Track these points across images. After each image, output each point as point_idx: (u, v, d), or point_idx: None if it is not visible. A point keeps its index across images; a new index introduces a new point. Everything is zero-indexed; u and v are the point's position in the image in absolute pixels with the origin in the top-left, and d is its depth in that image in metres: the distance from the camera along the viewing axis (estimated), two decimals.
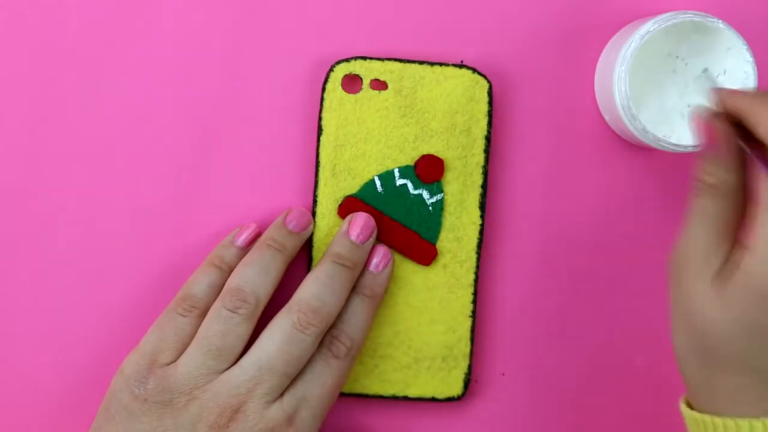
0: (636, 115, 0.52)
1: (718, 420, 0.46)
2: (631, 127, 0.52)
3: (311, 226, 0.55)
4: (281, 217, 0.55)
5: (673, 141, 0.53)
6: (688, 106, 0.53)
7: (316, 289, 0.52)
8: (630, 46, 0.52)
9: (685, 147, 0.53)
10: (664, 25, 0.52)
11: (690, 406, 0.49)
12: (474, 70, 0.55)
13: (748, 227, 0.46)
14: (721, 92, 0.48)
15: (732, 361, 0.46)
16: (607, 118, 0.55)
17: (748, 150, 0.46)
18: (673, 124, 0.53)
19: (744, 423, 0.45)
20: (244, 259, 0.53)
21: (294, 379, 0.51)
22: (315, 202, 0.56)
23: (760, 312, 0.44)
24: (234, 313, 0.51)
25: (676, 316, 0.48)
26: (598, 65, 0.56)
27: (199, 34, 0.56)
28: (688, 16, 0.52)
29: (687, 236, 0.47)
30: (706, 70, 0.52)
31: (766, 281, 0.44)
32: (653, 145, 0.53)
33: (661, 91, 0.53)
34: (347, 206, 0.55)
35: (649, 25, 0.51)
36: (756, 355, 0.45)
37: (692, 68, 0.53)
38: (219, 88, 0.56)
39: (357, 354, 0.53)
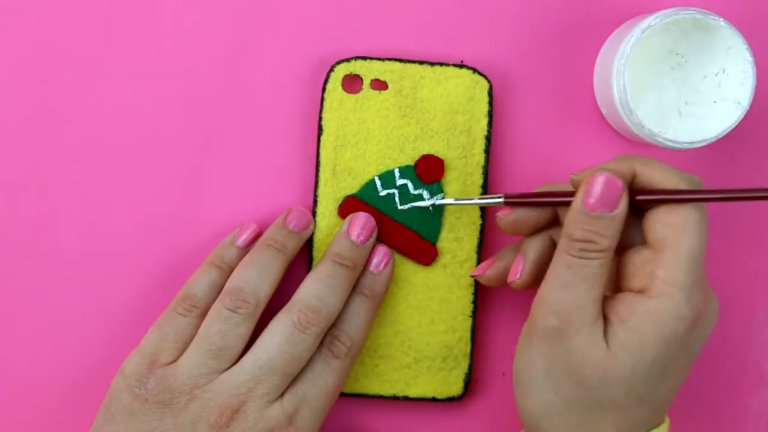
0: (633, 109, 0.52)
1: None
2: (627, 122, 0.53)
3: (311, 226, 0.55)
4: (281, 217, 0.55)
5: (669, 137, 0.53)
6: (686, 104, 0.53)
7: (316, 289, 0.52)
8: (630, 40, 0.52)
9: (681, 144, 0.53)
10: (665, 21, 0.52)
11: None
12: (474, 70, 0.55)
13: (643, 274, 0.47)
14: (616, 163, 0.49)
15: (630, 400, 0.47)
16: (604, 111, 0.56)
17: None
18: (670, 120, 0.53)
19: None
20: (244, 259, 0.53)
21: (294, 378, 0.51)
22: (315, 202, 0.56)
23: (663, 352, 0.47)
24: (234, 312, 0.51)
25: (549, 373, 0.48)
26: (598, 60, 0.56)
27: (199, 34, 0.56)
28: (690, 13, 0.52)
29: (567, 298, 0.47)
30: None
31: (674, 324, 0.46)
32: (649, 140, 0.53)
33: (659, 87, 0.53)
34: (347, 206, 0.55)
35: (651, 20, 0.52)
36: (655, 390, 0.48)
37: (691, 66, 0.53)
38: (219, 88, 0.56)
39: (357, 354, 0.53)
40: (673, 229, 0.47)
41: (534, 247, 0.52)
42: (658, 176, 0.48)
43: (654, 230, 0.48)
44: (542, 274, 0.49)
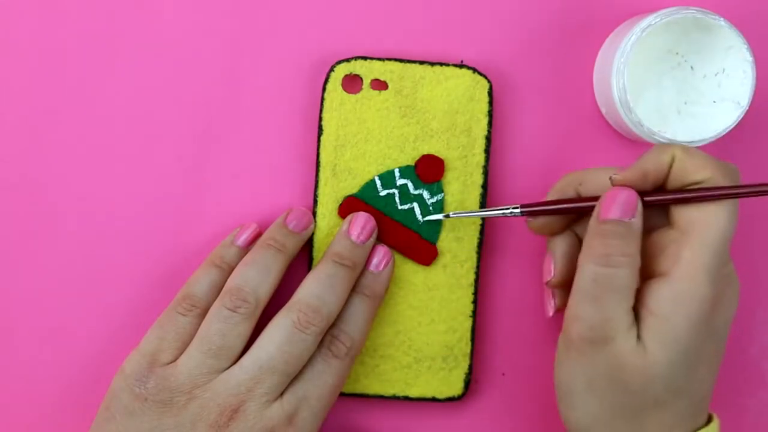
0: (633, 108, 0.52)
1: None
2: (627, 121, 0.53)
3: (312, 226, 0.55)
4: (282, 217, 0.55)
5: (668, 136, 0.53)
6: (685, 104, 0.53)
7: (316, 289, 0.52)
8: (630, 38, 0.52)
9: (680, 143, 0.53)
10: (665, 20, 0.52)
11: None
12: (474, 70, 0.55)
13: (667, 255, 0.48)
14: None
15: (669, 395, 0.48)
16: (604, 111, 0.56)
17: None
18: (669, 119, 0.53)
19: None
20: (244, 258, 0.53)
21: (294, 378, 0.51)
22: (315, 202, 0.56)
23: (693, 336, 0.47)
24: (234, 312, 0.51)
25: (590, 385, 0.49)
26: (598, 59, 0.56)
27: (199, 34, 0.57)
28: (690, 12, 0.52)
29: (599, 311, 0.48)
30: None
31: (699, 306, 0.47)
32: (648, 139, 0.53)
33: (658, 87, 0.53)
34: (348, 206, 0.55)
35: (651, 19, 0.52)
36: (691, 379, 0.48)
37: (691, 65, 0.53)
38: (219, 87, 0.57)
39: (357, 354, 0.53)
40: (703, 212, 0.47)
41: (560, 246, 0.53)
42: (692, 164, 0.48)
43: (682, 211, 0.48)
44: (573, 269, 0.49)
